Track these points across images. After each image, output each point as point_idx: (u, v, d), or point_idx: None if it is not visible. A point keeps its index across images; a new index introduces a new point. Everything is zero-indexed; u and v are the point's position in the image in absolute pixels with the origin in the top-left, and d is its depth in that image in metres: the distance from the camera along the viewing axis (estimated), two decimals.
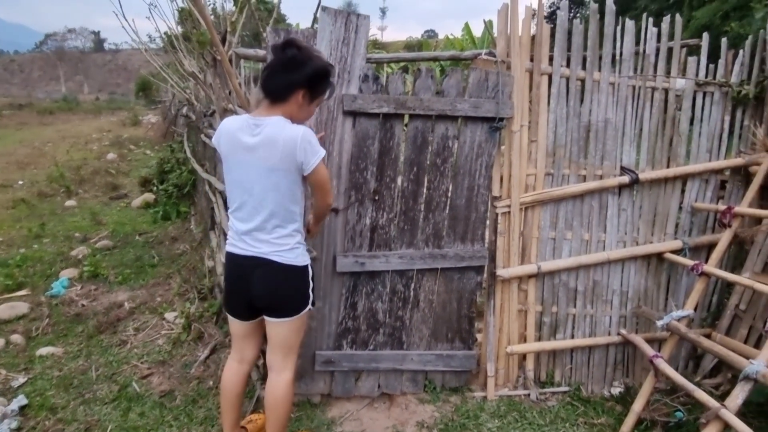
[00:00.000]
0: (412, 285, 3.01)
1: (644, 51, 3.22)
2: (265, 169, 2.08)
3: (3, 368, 3.43)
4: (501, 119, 2.92)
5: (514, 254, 3.09)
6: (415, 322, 3.05)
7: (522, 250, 3.14)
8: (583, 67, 3.15)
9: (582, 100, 3.16)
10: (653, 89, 3.25)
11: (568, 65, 3.12)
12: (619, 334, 3.22)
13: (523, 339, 3.18)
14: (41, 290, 4.68)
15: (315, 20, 2.83)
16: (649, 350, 2.92)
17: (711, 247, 3.26)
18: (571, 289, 3.22)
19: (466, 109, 2.86)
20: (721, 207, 3.15)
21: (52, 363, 3.50)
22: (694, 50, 3.41)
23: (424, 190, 2.94)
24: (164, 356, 3.56)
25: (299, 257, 2.24)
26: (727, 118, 3.36)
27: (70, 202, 7.85)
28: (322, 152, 2.13)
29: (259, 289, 2.21)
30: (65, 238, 6.25)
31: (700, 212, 3.34)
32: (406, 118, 2.86)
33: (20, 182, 9.44)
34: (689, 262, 3.05)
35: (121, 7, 3.72)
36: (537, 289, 3.18)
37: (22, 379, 3.32)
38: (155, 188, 7.49)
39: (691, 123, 3.35)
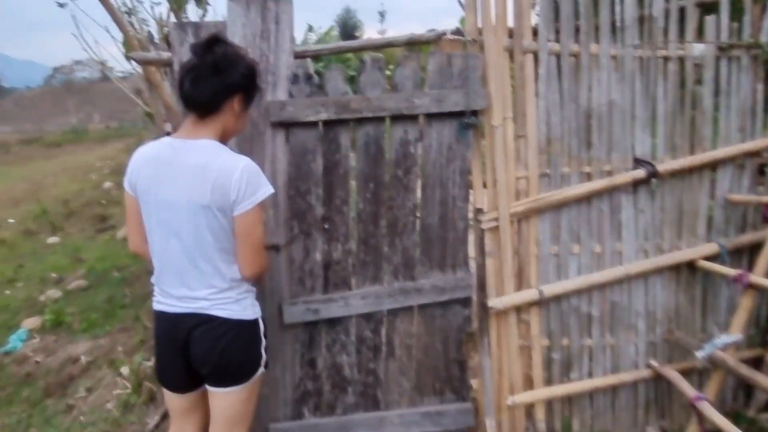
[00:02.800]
0: (383, 329, 2.41)
1: (650, 14, 2.60)
2: (195, 206, 1.65)
3: None
4: (473, 113, 2.32)
5: (508, 278, 2.48)
6: (392, 374, 2.45)
7: (518, 272, 2.53)
8: (577, 40, 2.54)
9: (578, 81, 2.55)
10: (666, 59, 2.62)
11: (557, 39, 2.51)
12: (648, 366, 2.58)
13: (529, 382, 2.56)
14: None
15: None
16: (689, 390, 2.29)
17: (754, 248, 2.61)
18: (584, 315, 2.59)
19: (427, 105, 2.26)
20: (765, 198, 2.50)
21: None
22: (711, 8, 2.76)
23: (386, 210, 2.35)
24: (110, 425, 3.02)
25: (247, 309, 1.81)
26: (760, 87, 2.70)
27: (52, 239, 7.41)
28: (267, 191, 1.73)
29: (200, 353, 1.75)
30: (40, 280, 5.79)
31: (737, 206, 2.68)
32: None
33: (10, 221, 9.05)
34: (730, 272, 2.40)
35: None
36: (541, 318, 2.55)
37: None
38: None
39: (716, 96, 2.71)
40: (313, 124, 2.23)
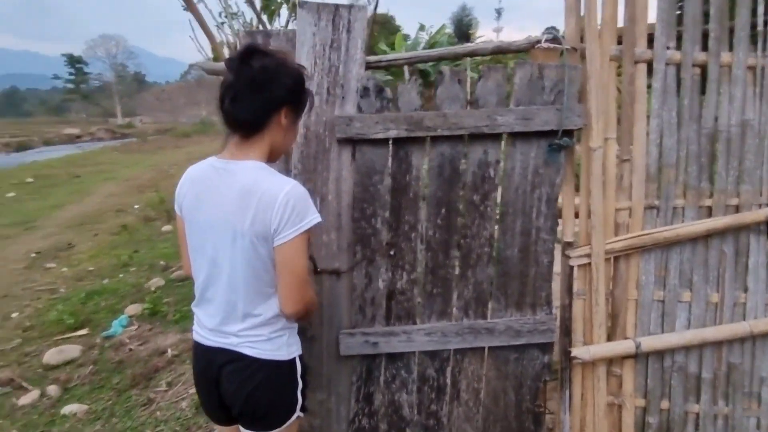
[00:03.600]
0: (449, 369, 2.18)
1: None
2: (235, 233, 1.51)
3: (18, 430, 3.17)
4: (566, 133, 2.01)
5: (599, 325, 2.14)
6: (456, 419, 2.21)
7: (612, 318, 2.18)
8: (704, 48, 2.12)
9: (703, 96, 2.13)
10: None
11: (679, 47, 2.11)
12: None
13: None
14: (101, 329, 4.50)
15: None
16: None
17: None
18: (691, 375, 2.18)
19: (511, 123, 1.98)
20: None
21: (69, 427, 3.17)
22: None
23: (459, 239, 2.11)
24: (181, 425, 3.07)
25: (281, 348, 1.62)
26: None
27: (166, 227, 7.93)
28: (312, 220, 1.53)
29: (229, 393, 1.62)
30: (149, 266, 6.19)
31: None
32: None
33: (136, 206, 9.88)
34: None
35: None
36: (637, 375, 2.18)
37: None
38: None
39: None
40: (382, 142, 2.04)
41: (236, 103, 1.50)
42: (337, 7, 2.01)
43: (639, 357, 2.16)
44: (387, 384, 2.19)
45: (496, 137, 2.05)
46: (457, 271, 2.13)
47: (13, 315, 5.14)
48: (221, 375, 1.61)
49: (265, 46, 1.66)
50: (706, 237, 2.13)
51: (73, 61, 58.34)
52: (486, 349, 2.16)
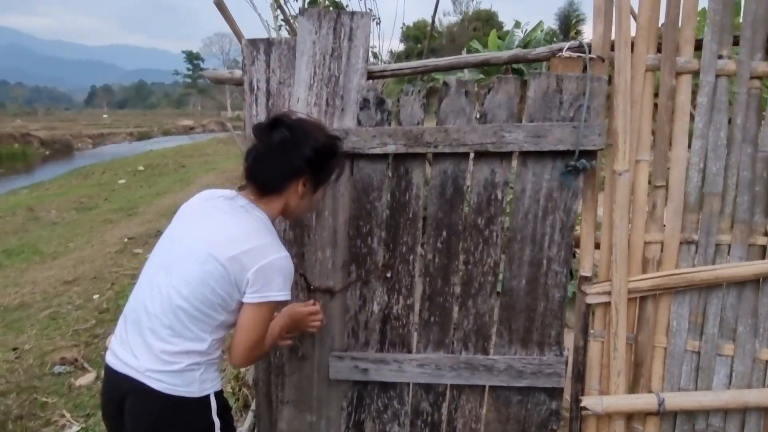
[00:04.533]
0: (444, 405, 2.02)
1: None
2: (209, 258, 1.46)
3: (69, 410, 3.39)
4: (586, 153, 1.77)
5: (617, 373, 1.87)
6: None
7: (635, 367, 1.90)
8: (767, 57, 1.79)
9: (761, 114, 1.80)
10: None
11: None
12: None
13: None
14: None
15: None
16: None
17: None
18: None
19: (520, 141, 1.78)
20: None
21: None
22: None
23: (460, 265, 1.94)
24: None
25: (193, 384, 1.49)
26: None
27: None
28: (278, 297, 1.51)
29: (129, 430, 1.50)
30: None
31: None
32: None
33: None
34: None
35: None
36: None
37: (76, 427, 3.22)
38: None
39: None
40: (381, 157, 1.91)
41: (256, 165, 1.57)
42: (338, 13, 1.91)
43: (665, 416, 1.87)
44: (378, 413, 2.07)
45: (505, 156, 1.85)
46: (457, 299, 1.96)
47: (95, 297, 5.56)
48: (124, 409, 1.49)
49: (291, 116, 1.61)
50: (757, 281, 1.80)
51: (191, 57, 63.08)
52: (486, 388, 1.97)
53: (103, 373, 1.64)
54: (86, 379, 3.80)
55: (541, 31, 11.83)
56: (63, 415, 3.35)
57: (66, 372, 3.94)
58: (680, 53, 1.81)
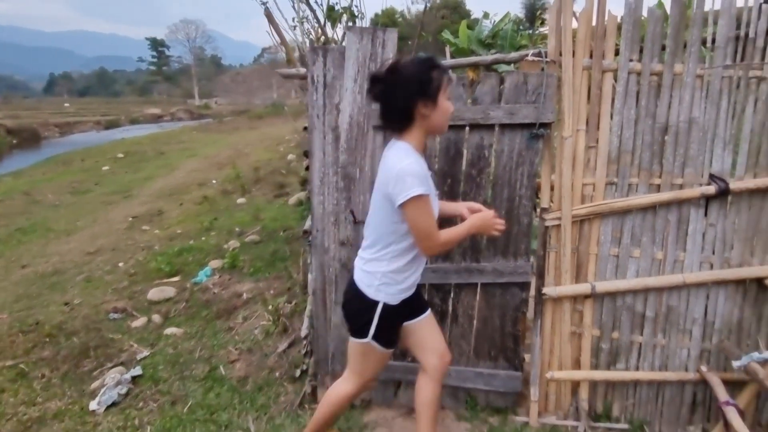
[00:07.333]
0: (450, 299, 2.94)
1: (747, 35, 2.66)
2: (378, 190, 2.10)
3: (136, 342, 4.18)
4: (542, 125, 2.69)
5: (566, 271, 2.82)
6: (454, 337, 2.97)
7: (577, 267, 2.85)
8: (661, 60, 2.72)
9: (658, 98, 2.74)
10: (759, 80, 2.66)
11: (639, 59, 2.73)
12: (697, 371, 2.74)
13: (577, 365, 2.89)
14: (190, 277, 5.53)
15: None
16: (722, 394, 2.45)
17: None
18: (637, 314, 2.83)
19: (500, 116, 2.69)
20: None
21: (172, 341, 4.17)
22: None
23: (460, 202, 2.84)
24: (253, 345, 3.99)
25: (370, 288, 2.13)
26: None
27: (241, 200, 9.01)
28: (414, 192, 1.91)
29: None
30: (227, 231, 7.23)
31: None
32: None
33: (214, 181, 11.09)
34: None
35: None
36: (595, 311, 2.86)
37: (145, 352, 4.01)
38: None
39: None
40: None
41: (381, 117, 2.07)
42: (375, 29, 2.77)
43: (596, 297, 2.83)
44: None
45: (490, 127, 2.75)
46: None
47: (120, 264, 6.29)
48: None
49: (383, 70, 1.98)
50: (654, 208, 2.76)
51: (156, 44, 62.06)
52: (479, 285, 2.89)
53: None
54: (139, 322, 4.59)
55: (509, 20, 12.71)
56: (132, 345, 4.15)
57: (120, 318, 4.71)
58: (605, 58, 2.73)
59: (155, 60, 62.90)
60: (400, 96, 1.94)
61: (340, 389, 2.39)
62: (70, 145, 24.18)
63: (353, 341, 2.26)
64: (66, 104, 49.83)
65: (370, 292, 2.13)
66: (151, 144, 20.71)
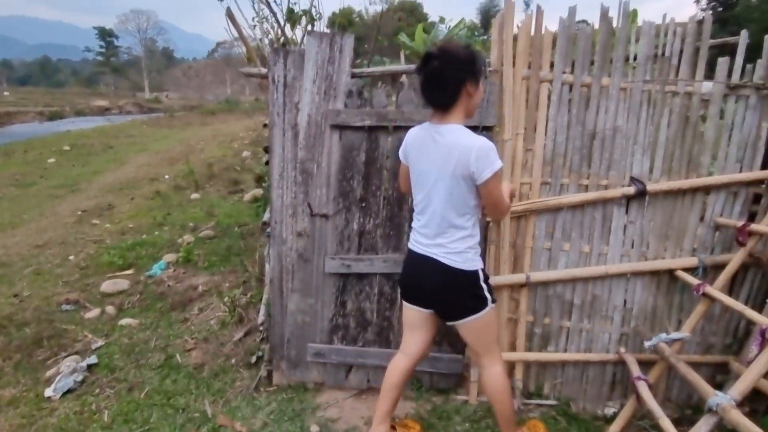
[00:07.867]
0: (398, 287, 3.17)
1: (663, 53, 3.00)
2: (443, 175, 2.21)
3: (90, 332, 4.22)
4: (485, 128, 2.95)
5: (504, 263, 3.10)
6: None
7: (514, 259, 3.13)
8: (591, 73, 3.03)
9: (587, 108, 3.05)
10: (673, 94, 3.01)
11: (571, 72, 3.03)
12: (617, 352, 3.06)
13: (513, 348, 3.17)
14: (144, 270, 5.57)
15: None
16: (635, 371, 2.77)
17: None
18: (566, 301, 3.13)
19: None
20: (739, 222, 2.84)
21: (127, 332, 4.23)
22: (728, 49, 3.08)
23: (410, 198, 3.07)
24: (209, 335, 4.10)
25: (467, 262, 2.29)
26: (765, 125, 2.99)
27: (195, 196, 9.01)
28: (498, 165, 2.14)
29: (429, 289, 2.37)
30: (181, 226, 7.24)
31: (726, 229, 3.03)
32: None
33: (166, 176, 10.98)
34: (693, 281, 2.81)
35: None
36: (529, 299, 3.15)
37: (100, 342, 4.06)
38: (264, 184, 8.31)
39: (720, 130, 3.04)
40: (360, 128, 3.00)
41: (431, 95, 2.19)
42: (333, 35, 2.96)
43: (531, 286, 3.12)
44: (356, 295, 3.18)
45: None
46: (406, 219, 3.09)
47: (70, 257, 6.23)
48: (424, 276, 2.35)
49: (436, 49, 2.15)
50: (582, 206, 3.06)
51: (104, 34, 59.94)
52: None
53: (407, 255, 2.48)
54: (93, 313, 4.61)
55: (464, 26, 13.19)
56: (86, 336, 4.19)
57: (72, 309, 4.72)
58: (542, 69, 3.02)
59: (103, 50, 60.78)
60: (453, 74, 2.13)
61: (494, 377, 2.46)
62: (10, 136, 23.15)
63: (471, 321, 2.36)
64: (5, 93, 47.64)
65: (468, 266, 2.29)
66: (99, 137, 20.13)
